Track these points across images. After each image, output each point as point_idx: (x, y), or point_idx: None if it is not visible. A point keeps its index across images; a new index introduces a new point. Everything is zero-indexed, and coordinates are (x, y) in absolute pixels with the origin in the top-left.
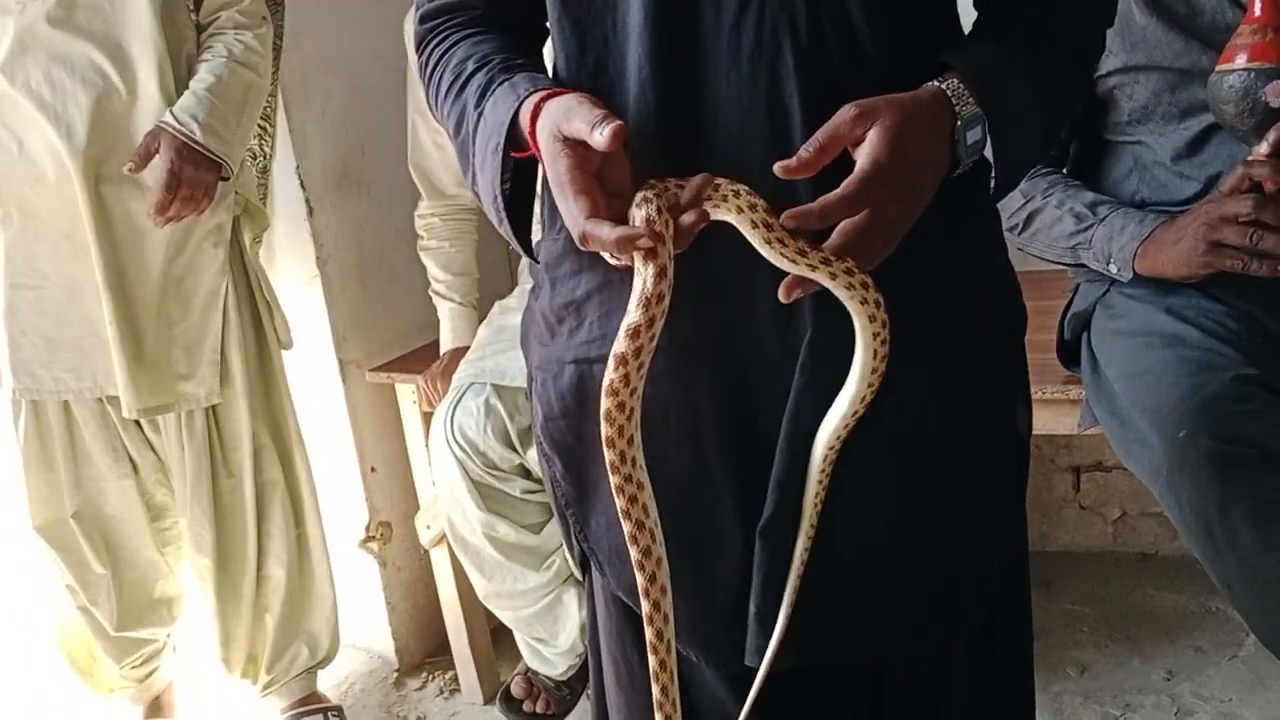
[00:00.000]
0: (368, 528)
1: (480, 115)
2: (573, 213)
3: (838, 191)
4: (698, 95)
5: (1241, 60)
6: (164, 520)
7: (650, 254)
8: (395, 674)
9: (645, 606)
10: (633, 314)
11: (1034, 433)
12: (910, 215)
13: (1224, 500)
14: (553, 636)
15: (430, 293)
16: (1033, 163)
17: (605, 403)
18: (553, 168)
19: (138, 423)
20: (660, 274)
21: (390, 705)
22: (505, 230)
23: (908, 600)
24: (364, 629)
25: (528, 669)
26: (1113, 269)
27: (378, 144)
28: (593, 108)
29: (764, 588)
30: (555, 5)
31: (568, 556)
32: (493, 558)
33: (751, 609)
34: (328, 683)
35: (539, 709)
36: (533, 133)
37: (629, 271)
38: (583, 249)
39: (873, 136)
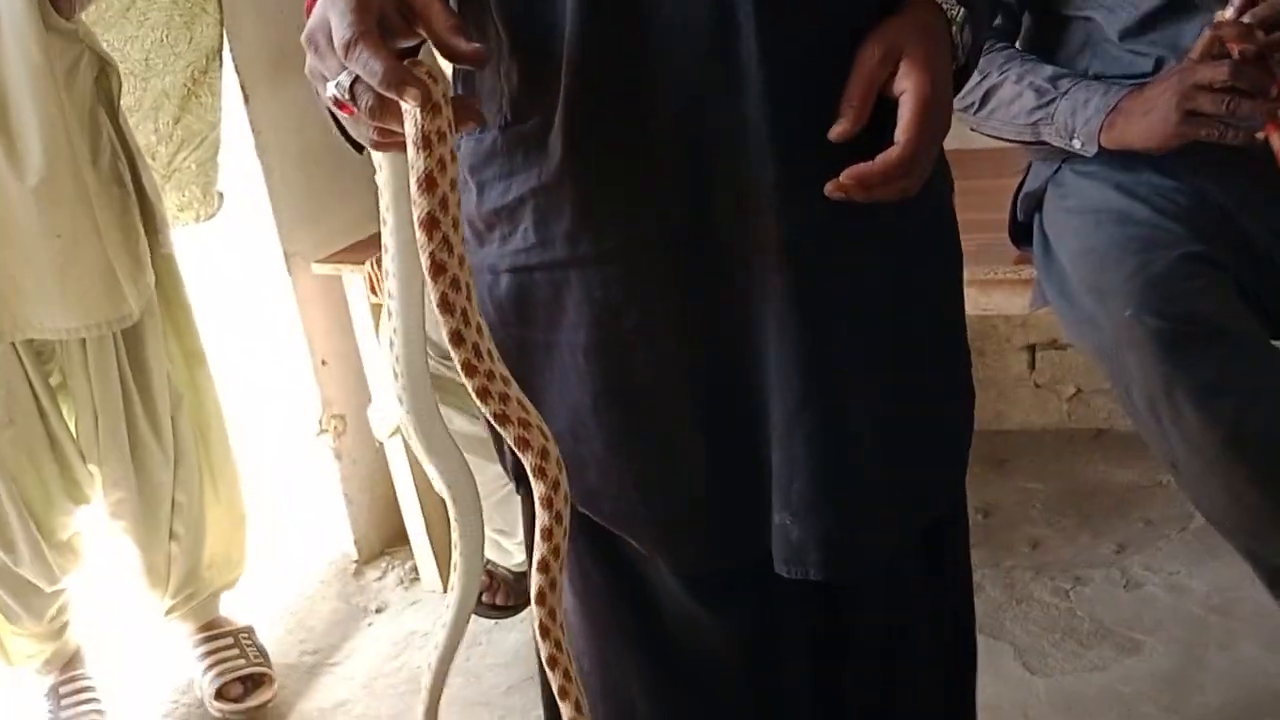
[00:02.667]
0: (320, 421)
1: None
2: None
3: (898, 148)
4: None
5: None
6: (67, 460)
7: (423, 91)
8: (355, 565)
9: (545, 518)
10: (417, 161)
11: (988, 312)
12: (949, 126)
13: (1169, 378)
14: (512, 528)
15: (374, 179)
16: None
17: (434, 291)
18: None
19: (40, 358)
20: (435, 109)
21: (350, 596)
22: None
23: (893, 495)
24: (322, 522)
25: (488, 562)
26: (1076, 144)
27: None
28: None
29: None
30: None
31: (504, 468)
32: None
33: (776, 519)
34: (287, 574)
35: (498, 601)
36: None
37: (565, 172)
38: (345, 59)
39: (910, 71)
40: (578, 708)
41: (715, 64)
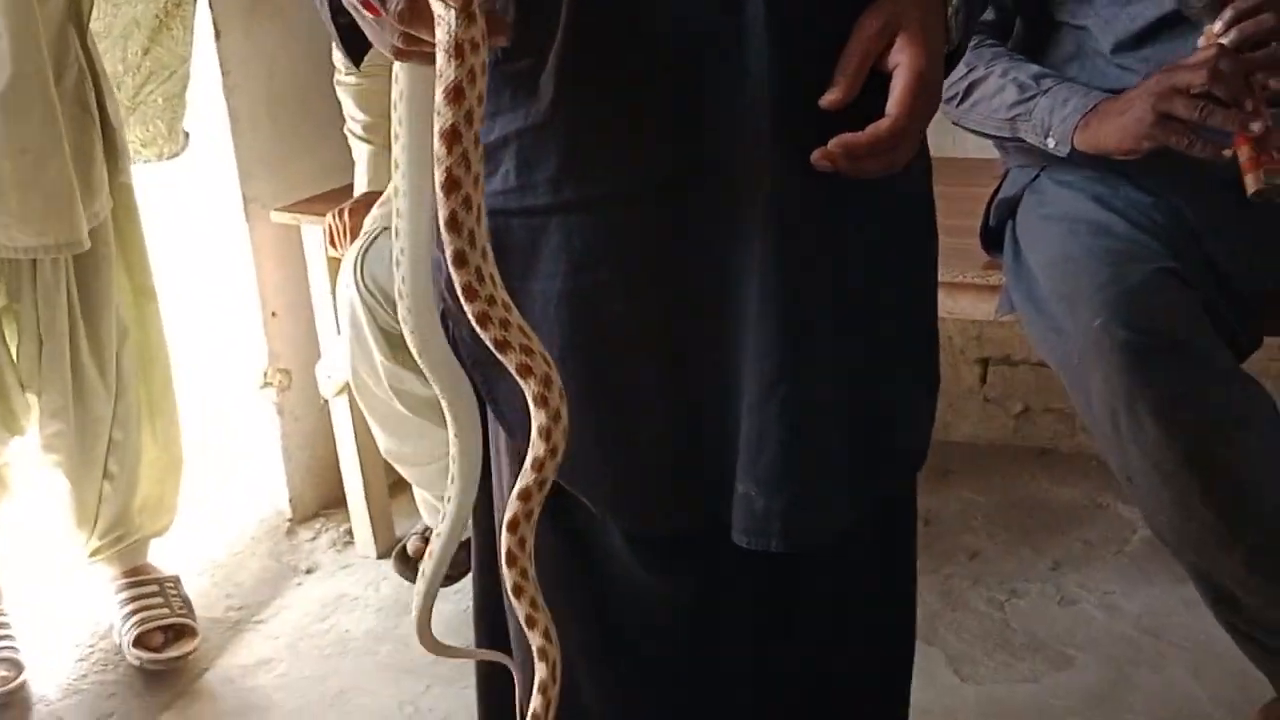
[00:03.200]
0: (265, 373)
1: None
2: None
3: (888, 121)
4: None
5: None
6: (5, 387)
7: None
8: (288, 524)
9: (541, 449)
10: (447, 70)
11: (949, 318)
12: (938, 106)
13: (1132, 391)
14: None
15: (345, 131)
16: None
17: (443, 208)
18: None
19: None
20: (470, 17)
21: (281, 554)
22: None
23: (857, 470)
24: (258, 478)
25: (426, 529)
26: (1050, 143)
27: None
28: None
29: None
30: None
31: None
32: (397, 411)
33: (740, 489)
34: (219, 527)
35: None
36: None
37: (554, 115)
38: None
39: (906, 47)
40: (546, 636)
41: (721, 15)
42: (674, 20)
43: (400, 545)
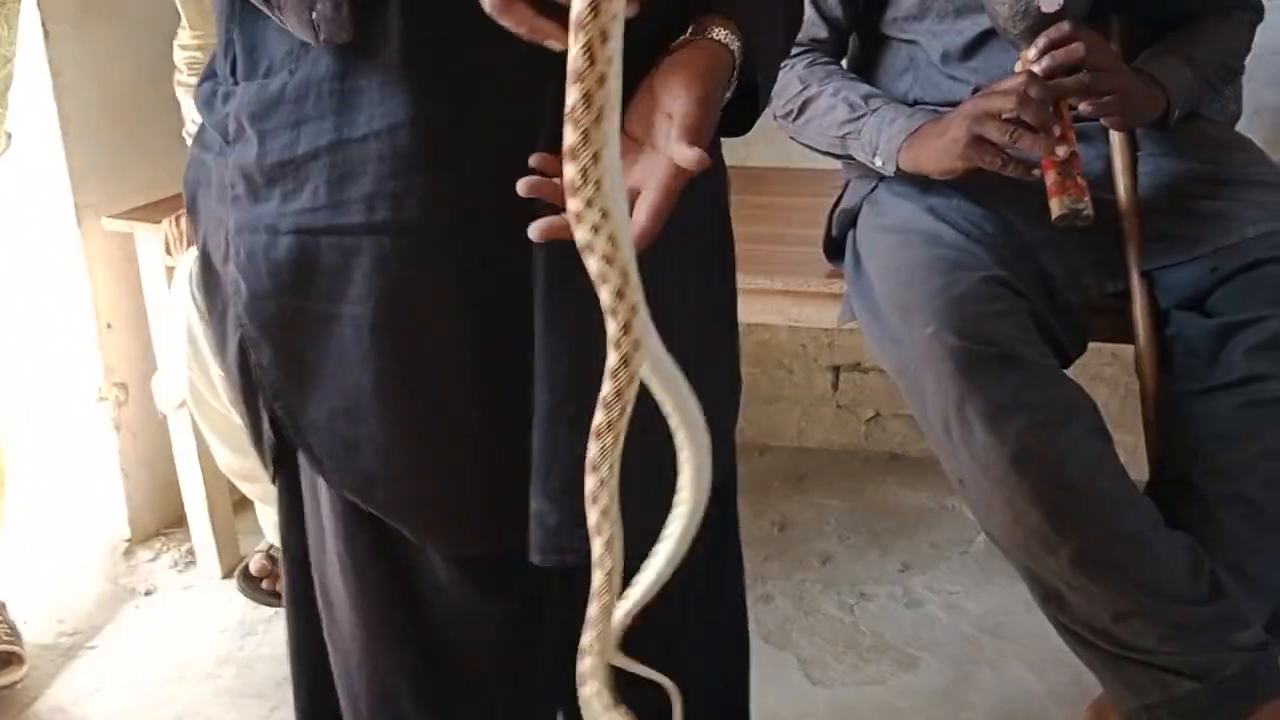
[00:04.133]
0: (100, 388)
1: None
2: None
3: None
4: None
5: None
6: None
7: None
8: (126, 544)
9: (600, 417)
10: None
11: (799, 326)
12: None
13: (962, 397)
14: None
15: (184, 134)
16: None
17: (571, 92)
18: None
19: None
20: None
21: (118, 576)
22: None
23: (654, 481)
24: (94, 496)
25: (270, 546)
26: (878, 162)
27: None
28: None
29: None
30: None
31: (259, 454)
32: (235, 424)
33: (534, 506)
34: (50, 549)
35: (279, 588)
36: None
37: (376, 131)
38: None
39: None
40: (609, 546)
41: (529, 51)
42: (486, 49)
43: (244, 564)
